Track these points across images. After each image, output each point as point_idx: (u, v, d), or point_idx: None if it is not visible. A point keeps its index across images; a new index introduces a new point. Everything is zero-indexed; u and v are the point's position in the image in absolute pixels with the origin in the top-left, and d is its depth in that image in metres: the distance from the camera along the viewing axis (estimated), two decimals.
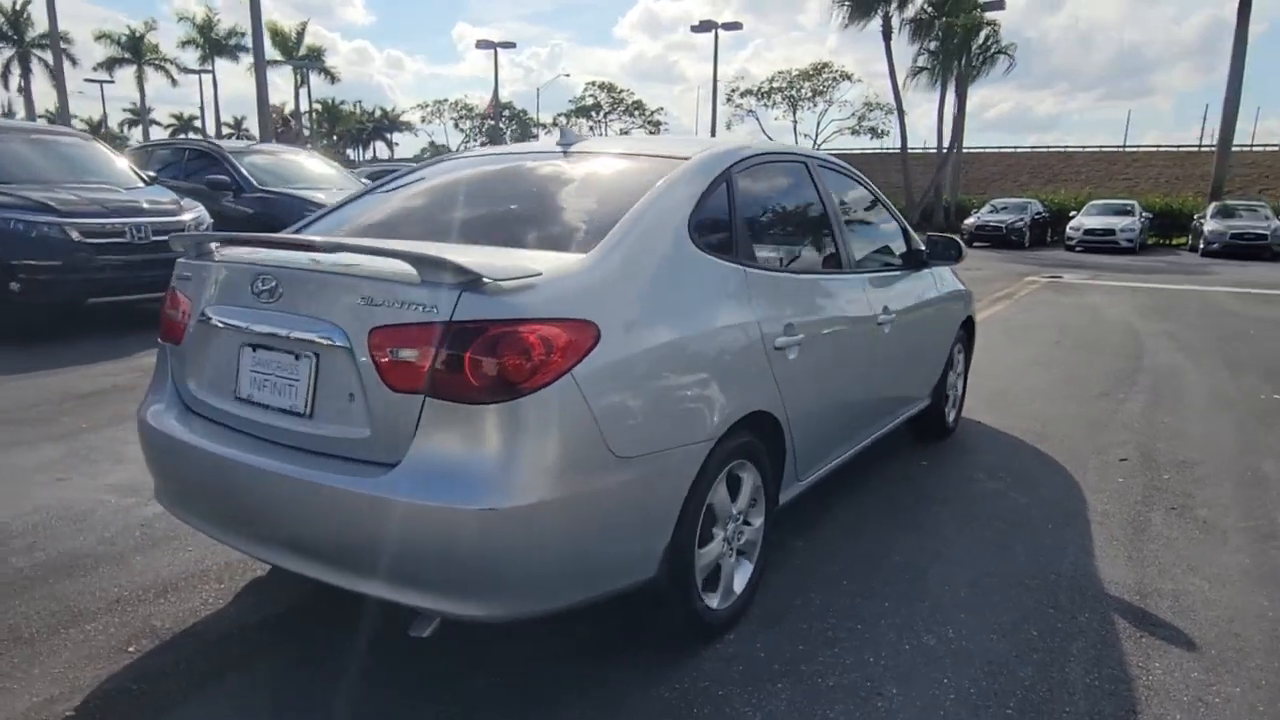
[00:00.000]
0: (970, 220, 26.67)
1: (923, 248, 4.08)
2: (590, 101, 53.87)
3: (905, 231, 4.08)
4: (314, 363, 2.11)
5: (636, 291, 2.22)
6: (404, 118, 66.36)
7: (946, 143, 31.10)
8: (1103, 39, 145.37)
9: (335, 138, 63.85)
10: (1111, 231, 23.30)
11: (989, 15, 28.78)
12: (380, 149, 66.19)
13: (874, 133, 41.24)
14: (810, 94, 39.31)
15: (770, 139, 50.40)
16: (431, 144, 67.33)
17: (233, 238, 2.46)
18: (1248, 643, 2.59)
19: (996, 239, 24.41)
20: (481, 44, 42.33)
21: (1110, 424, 5.17)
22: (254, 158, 10.52)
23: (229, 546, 2.42)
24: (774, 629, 2.61)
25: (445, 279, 1.93)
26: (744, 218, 2.77)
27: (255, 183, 9.86)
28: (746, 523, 2.65)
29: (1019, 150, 46.71)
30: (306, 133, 52.97)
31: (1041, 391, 5.99)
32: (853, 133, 41.84)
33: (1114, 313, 10.34)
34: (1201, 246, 21.96)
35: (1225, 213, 22.71)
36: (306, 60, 49.86)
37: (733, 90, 44.42)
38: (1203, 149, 53.27)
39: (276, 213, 9.24)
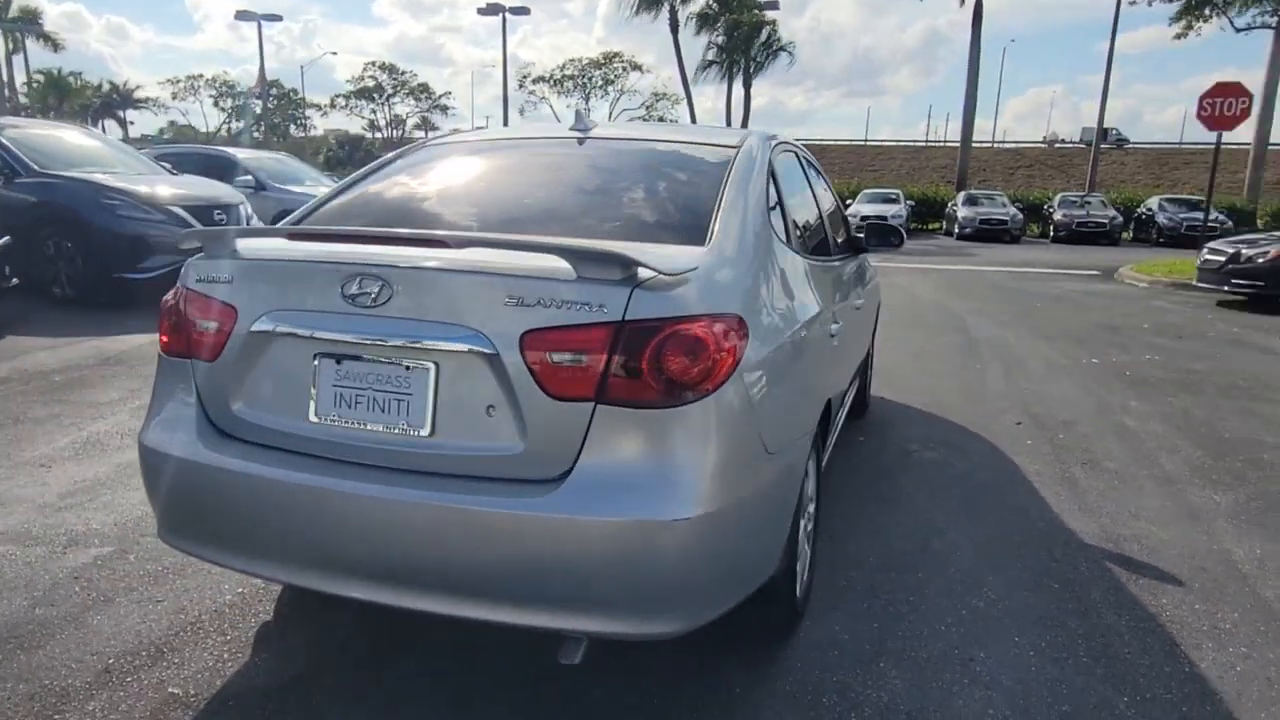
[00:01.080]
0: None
1: (860, 235, 4.31)
2: (371, 83, 50.92)
3: (845, 218, 4.29)
4: (433, 373, 1.86)
5: (756, 283, 2.16)
6: (140, 93, 58.97)
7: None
8: (841, 42, 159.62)
9: (62, 113, 55.60)
10: (884, 218, 25.89)
11: (766, 14, 30.66)
12: (111, 128, 58.33)
13: (662, 121, 42.54)
14: (602, 83, 39.81)
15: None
16: (172, 124, 60.58)
17: (310, 231, 2.10)
18: (1215, 574, 3.01)
19: None
20: (242, 15, 38.80)
21: (985, 393, 5.75)
22: (18, 133, 8.96)
23: (285, 583, 2.09)
24: (839, 611, 2.67)
25: (611, 275, 1.78)
26: (785, 206, 2.78)
27: (34, 165, 8.39)
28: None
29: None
30: (25, 106, 45.79)
31: (909, 366, 6.52)
32: (643, 120, 42.83)
33: (922, 292, 11.45)
34: (956, 231, 25.03)
35: (972, 201, 26.13)
36: (19, 23, 43.07)
37: (524, 76, 44.04)
38: (930, 144, 60.39)
39: (66, 201, 7.99)
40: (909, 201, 28.37)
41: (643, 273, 1.80)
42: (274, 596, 2.68)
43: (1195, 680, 2.34)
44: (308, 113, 55.36)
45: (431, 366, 1.86)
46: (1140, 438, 4.71)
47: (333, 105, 52.61)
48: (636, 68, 39.96)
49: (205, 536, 2.12)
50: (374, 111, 51.63)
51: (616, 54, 39.93)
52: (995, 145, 56.69)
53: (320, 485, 1.90)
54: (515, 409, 1.81)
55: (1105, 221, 24.74)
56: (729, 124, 33.35)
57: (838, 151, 52.81)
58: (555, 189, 2.64)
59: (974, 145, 56.54)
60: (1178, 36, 17.76)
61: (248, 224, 9.09)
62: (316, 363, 1.96)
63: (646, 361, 1.76)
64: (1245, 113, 14.36)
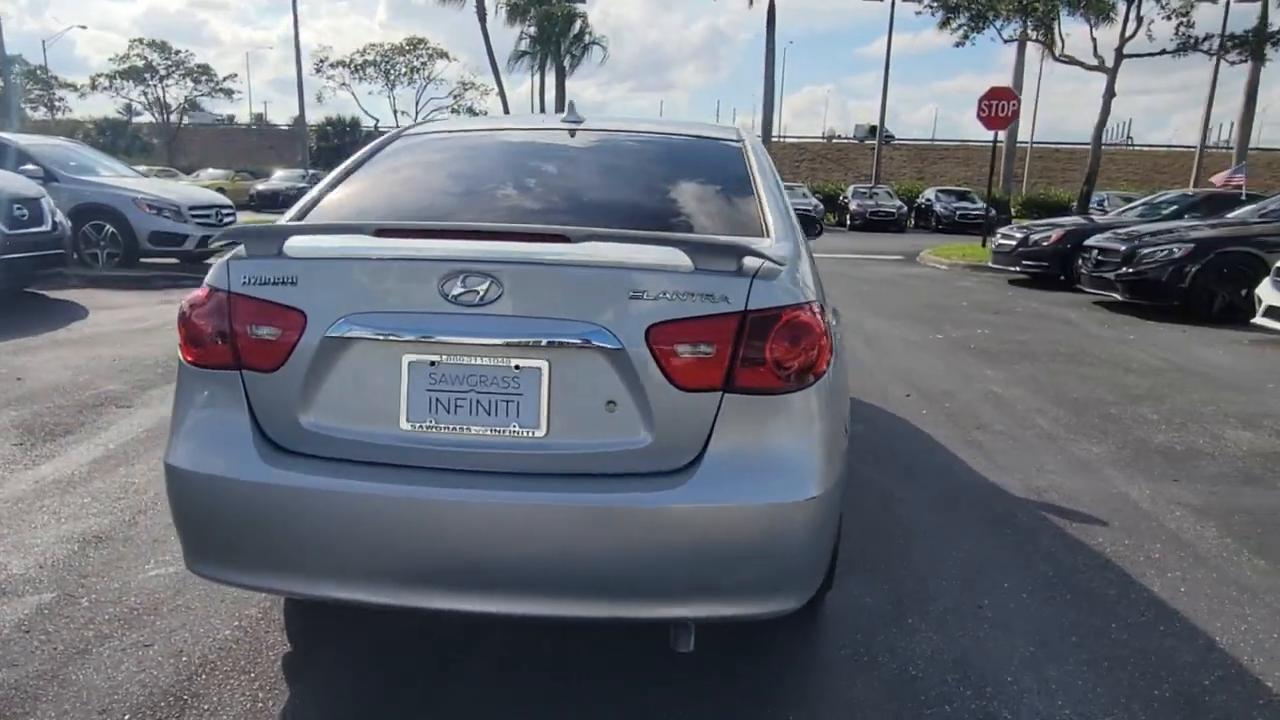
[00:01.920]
0: None
1: None
2: (140, 62, 45.62)
3: None
4: (545, 372, 1.81)
5: (815, 272, 2.26)
6: None
7: None
8: (630, 36, 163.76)
9: None
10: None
11: (577, 6, 30.84)
12: None
13: (471, 112, 41.59)
14: (406, 70, 38.21)
15: (371, 115, 47.88)
16: None
17: (385, 227, 1.91)
18: (1127, 513, 3.50)
19: None
20: None
21: (865, 368, 6.23)
22: None
23: (363, 604, 1.94)
24: (850, 579, 2.84)
25: (728, 266, 1.81)
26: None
27: None
28: None
29: None
30: None
31: None
32: (452, 111, 41.69)
33: None
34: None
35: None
36: None
37: (322, 60, 41.36)
38: None
39: None
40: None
41: (751, 262, 1.84)
42: (279, 625, 2.46)
43: (1156, 604, 2.73)
44: (59, 93, 48.78)
45: (544, 365, 1.81)
46: (1011, 402, 5.32)
47: (93, 86, 46.65)
48: (443, 55, 38.71)
49: (258, 562, 1.92)
50: (144, 94, 46.41)
51: (421, 40, 38.53)
52: (781, 140, 60.44)
53: (423, 496, 1.79)
54: (642, 402, 1.80)
55: (894, 211, 27.29)
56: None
57: None
58: (594, 181, 2.59)
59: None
60: (957, 45, 19.92)
61: (52, 219, 8.00)
62: (406, 366, 1.84)
63: (769, 349, 1.81)
64: (1015, 114, 16.35)
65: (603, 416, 1.82)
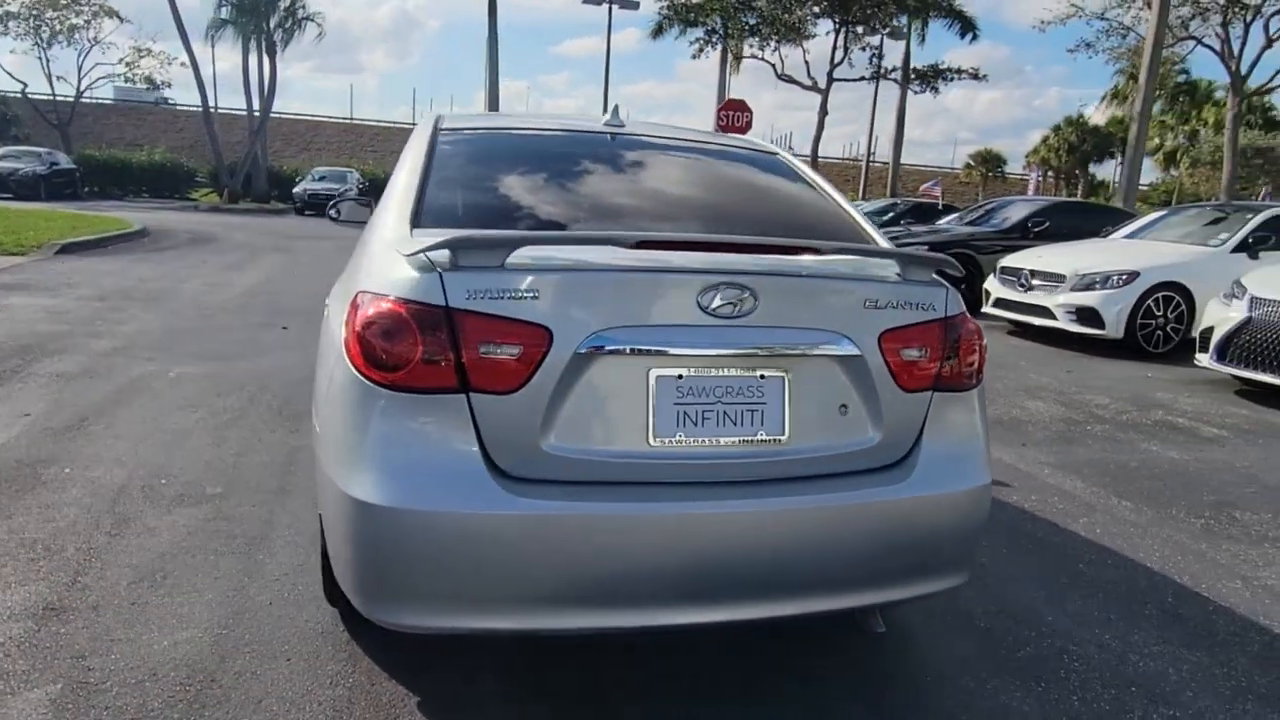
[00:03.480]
0: (299, 188, 27.00)
1: None
2: None
3: None
4: (785, 380, 1.87)
5: None
6: None
7: (257, 105, 29.76)
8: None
9: None
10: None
11: None
12: None
13: (151, 83, 36.26)
14: (63, 27, 32.26)
15: (17, 79, 39.86)
16: None
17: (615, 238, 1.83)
18: (1019, 474, 4.21)
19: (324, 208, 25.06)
20: None
21: None
22: None
23: (592, 631, 1.87)
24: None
25: (926, 276, 2.01)
26: None
27: None
28: None
29: (281, 116, 46.01)
30: None
31: None
32: (126, 81, 35.99)
33: None
34: None
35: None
36: None
37: None
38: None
39: None
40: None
41: (942, 274, 2.06)
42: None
43: (1106, 550, 3.35)
44: None
45: (786, 373, 1.87)
46: None
47: None
48: (112, 14, 33.21)
49: (475, 603, 1.77)
50: None
51: None
52: None
53: (679, 512, 1.79)
54: (873, 404, 1.93)
55: None
56: (247, 94, 30.07)
57: (332, 130, 50.67)
58: (712, 191, 2.64)
59: None
60: (694, 56, 21.55)
61: None
62: (653, 381, 1.79)
63: (962, 351, 2.04)
64: (749, 124, 17.99)
65: (836, 419, 1.93)
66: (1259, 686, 2.37)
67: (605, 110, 3.15)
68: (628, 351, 1.77)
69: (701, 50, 20.93)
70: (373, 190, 28.41)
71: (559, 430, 1.77)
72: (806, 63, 20.69)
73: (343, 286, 2.19)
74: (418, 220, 2.09)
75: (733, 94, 24.75)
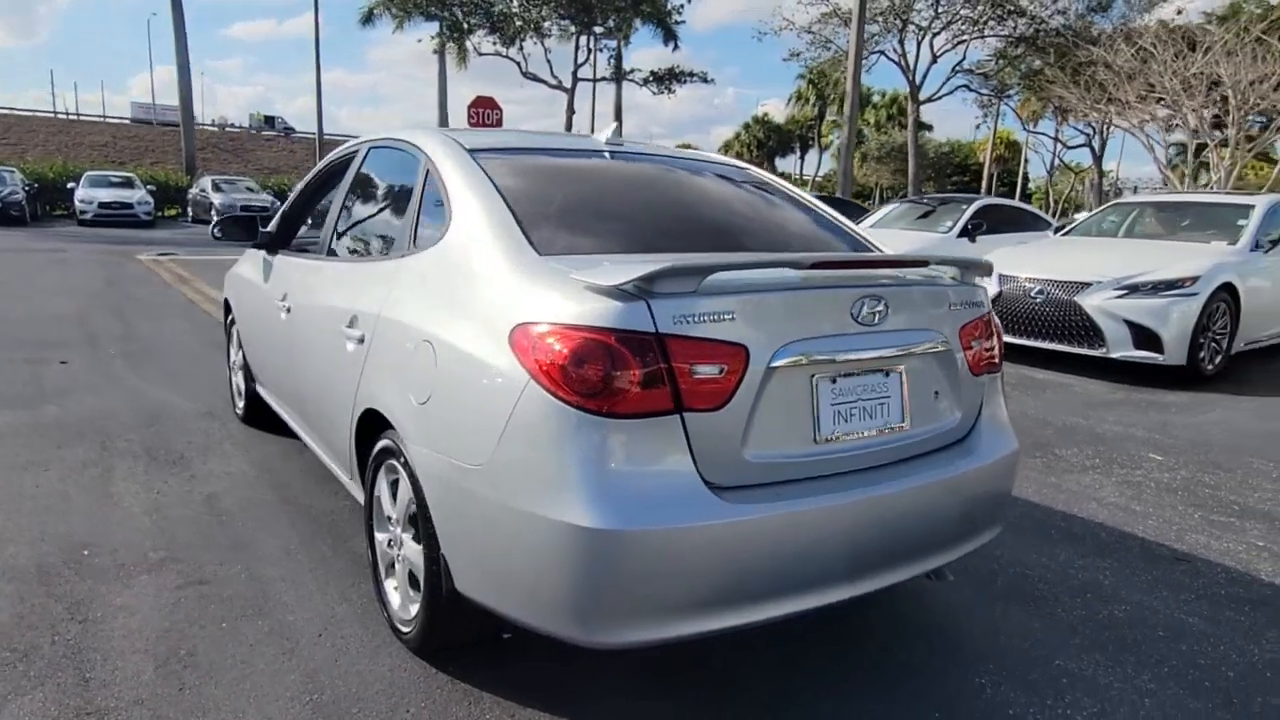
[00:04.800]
0: None
1: None
2: None
3: None
4: (902, 374, 2.17)
5: None
6: None
7: None
8: None
9: None
10: (129, 204, 23.31)
11: None
12: None
13: None
14: None
15: None
16: None
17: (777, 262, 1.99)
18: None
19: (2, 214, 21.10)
20: None
21: None
22: None
23: (778, 619, 2.02)
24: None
25: (973, 278, 2.41)
26: None
27: None
28: None
29: None
30: None
31: None
32: None
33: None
34: (215, 218, 24.12)
35: (219, 188, 25.51)
36: None
37: None
38: (84, 118, 54.02)
39: None
40: (149, 187, 25.61)
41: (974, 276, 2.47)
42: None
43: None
44: None
45: (903, 368, 2.17)
46: None
47: None
48: None
49: (692, 609, 1.88)
50: None
51: None
52: (158, 126, 52.86)
53: (857, 498, 2.03)
54: (955, 389, 2.30)
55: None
56: None
57: None
58: (741, 208, 2.83)
59: (115, 122, 52.23)
60: (435, 51, 20.95)
61: None
62: (816, 386, 2.01)
63: (997, 337, 2.47)
64: (499, 121, 18.01)
65: (931, 404, 2.27)
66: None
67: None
68: (804, 361, 1.97)
69: (445, 45, 20.50)
70: (40, 194, 24.35)
71: (753, 440, 1.92)
72: (549, 61, 21.15)
73: (447, 314, 2.13)
74: (537, 247, 2.09)
75: (468, 90, 24.41)
